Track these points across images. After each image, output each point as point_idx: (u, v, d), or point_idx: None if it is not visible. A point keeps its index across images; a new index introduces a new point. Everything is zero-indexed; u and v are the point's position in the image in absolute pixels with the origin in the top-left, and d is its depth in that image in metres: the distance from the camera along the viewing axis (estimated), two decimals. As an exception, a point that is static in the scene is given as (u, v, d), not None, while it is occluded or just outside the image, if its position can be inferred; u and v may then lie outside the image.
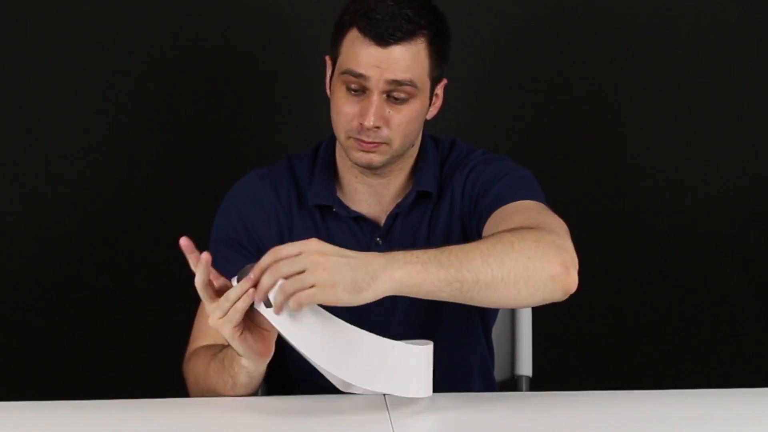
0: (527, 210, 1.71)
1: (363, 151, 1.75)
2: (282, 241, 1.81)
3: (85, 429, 1.56)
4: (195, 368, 1.72)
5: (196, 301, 1.61)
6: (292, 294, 1.43)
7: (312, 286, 1.43)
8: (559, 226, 1.64)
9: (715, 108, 2.66)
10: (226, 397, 1.64)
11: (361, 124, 1.72)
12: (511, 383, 2.11)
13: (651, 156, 2.68)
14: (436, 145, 1.89)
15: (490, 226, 1.73)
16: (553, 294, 1.55)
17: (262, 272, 1.46)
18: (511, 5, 2.62)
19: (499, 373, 2.09)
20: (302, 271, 1.43)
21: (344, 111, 1.74)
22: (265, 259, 1.46)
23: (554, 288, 1.55)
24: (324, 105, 1.81)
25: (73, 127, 2.59)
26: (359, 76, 1.70)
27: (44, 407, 1.63)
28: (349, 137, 1.75)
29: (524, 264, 1.51)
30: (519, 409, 1.62)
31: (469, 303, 1.52)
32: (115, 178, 2.62)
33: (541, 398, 1.69)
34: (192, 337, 1.80)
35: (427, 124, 1.90)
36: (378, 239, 1.83)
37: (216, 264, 1.80)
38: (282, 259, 1.45)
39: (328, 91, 1.80)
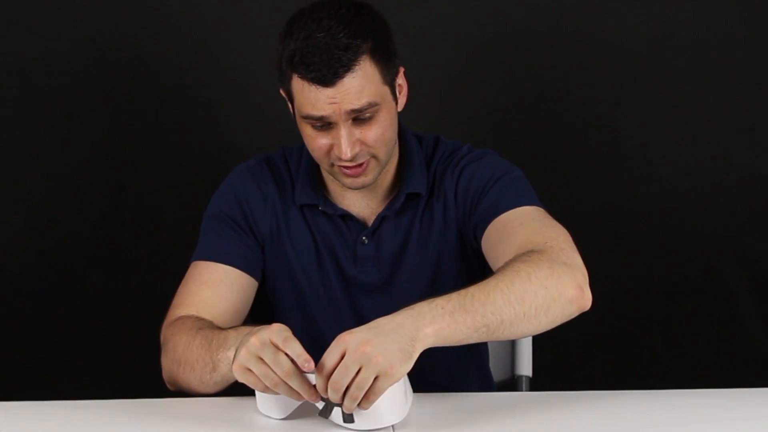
0: (531, 221, 1.71)
1: (352, 177, 1.74)
2: (277, 229, 1.85)
3: (85, 429, 1.56)
4: (178, 336, 1.67)
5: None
6: (361, 395, 1.42)
7: (375, 378, 1.41)
8: (564, 240, 1.65)
9: (715, 109, 2.66)
10: (227, 398, 1.64)
11: (338, 156, 1.71)
12: (511, 383, 2.11)
13: (650, 156, 2.68)
14: (420, 143, 1.88)
15: (494, 238, 1.74)
16: (570, 315, 1.58)
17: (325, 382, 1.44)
18: (511, 2, 2.62)
19: (499, 373, 2.09)
20: (359, 370, 1.41)
21: (318, 146, 1.73)
22: (319, 382, 1.44)
23: (571, 310, 1.58)
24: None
25: (69, 129, 2.60)
26: (320, 118, 1.69)
27: (44, 407, 1.63)
28: (333, 164, 1.74)
29: (543, 295, 1.54)
30: (519, 409, 1.62)
31: (494, 340, 1.54)
32: (113, 179, 2.62)
33: (541, 398, 1.69)
34: (176, 302, 1.77)
35: (416, 124, 1.90)
36: (364, 238, 1.83)
37: (206, 237, 1.81)
38: (332, 370, 1.42)
39: (296, 121, 1.78)
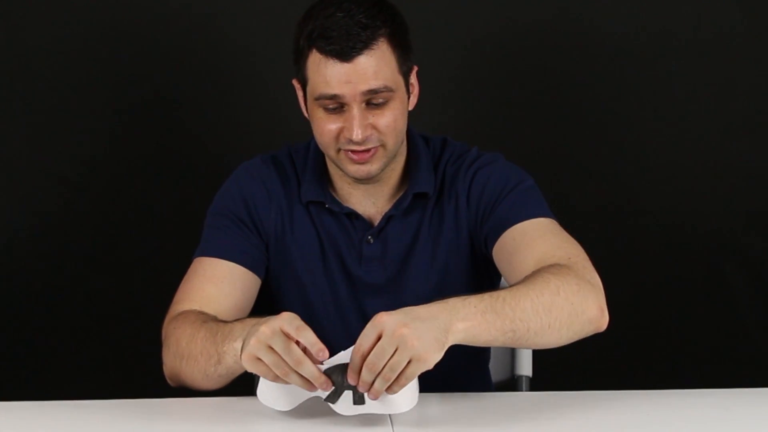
0: (549, 234, 1.73)
1: (358, 163, 1.74)
2: (282, 227, 1.84)
3: (85, 429, 1.56)
4: (181, 330, 1.67)
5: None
6: (394, 377, 1.42)
7: (408, 362, 1.42)
8: (584, 257, 1.68)
9: (715, 108, 2.66)
10: (228, 398, 1.64)
11: (348, 138, 1.71)
12: (511, 383, 2.11)
13: (651, 156, 2.68)
14: (427, 143, 1.88)
15: (510, 248, 1.74)
16: (587, 333, 1.61)
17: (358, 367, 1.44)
18: (513, 2, 2.62)
19: (499, 373, 2.09)
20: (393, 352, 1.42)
21: (327, 129, 1.73)
22: (355, 363, 1.44)
23: (589, 329, 1.61)
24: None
25: (71, 129, 2.60)
26: (333, 96, 1.69)
27: (44, 407, 1.63)
28: (339, 150, 1.74)
29: (568, 311, 1.56)
30: (519, 409, 1.62)
31: (515, 347, 1.56)
32: (113, 179, 2.62)
33: (541, 398, 1.70)
34: (178, 298, 1.77)
35: (422, 124, 1.89)
36: (369, 237, 1.83)
37: (210, 233, 1.81)
38: (369, 351, 1.43)
39: (305, 114, 1.79)
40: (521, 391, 2.09)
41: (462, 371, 1.91)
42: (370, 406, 1.47)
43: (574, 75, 2.65)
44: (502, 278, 1.86)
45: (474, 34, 2.62)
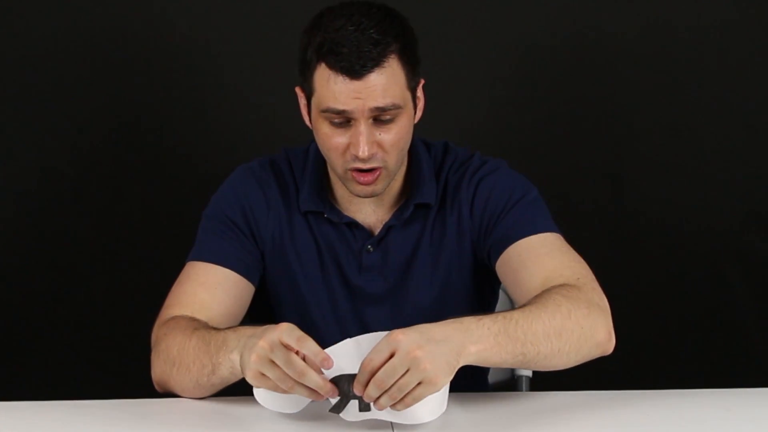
0: (557, 252, 1.71)
1: (363, 184, 1.71)
2: (280, 235, 1.81)
3: (85, 429, 1.56)
4: (171, 336, 1.64)
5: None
6: (400, 397, 1.41)
7: (418, 383, 1.41)
8: (592, 277, 1.67)
9: (715, 108, 2.66)
10: (227, 399, 1.63)
11: (354, 155, 1.68)
12: (511, 383, 2.11)
13: (651, 156, 2.68)
14: (428, 149, 1.85)
15: (515, 263, 1.72)
16: (592, 357, 1.61)
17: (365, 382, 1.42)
18: (513, 7, 2.62)
19: (499, 373, 2.09)
20: (405, 371, 1.41)
21: (334, 145, 1.69)
22: (363, 376, 1.42)
23: (596, 353, 1.61)
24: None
25: (69, 129, 2.60)
26: (341, 112, 1.66)
27: (44, 407, 1.63)
28: (347, 170, 1.71)
29: (578, 335, 1.56)
30: (519, 409, 1.62)
31: (523, 369, 1.57)
32: (112, 179, 2.62)
33: (541, 398, 1.69)
34: (170, 302, 1.74)
35: (425, 129, 1.89)
36: (369, 246, 1.81)
37: (205, 237, 1.79)
38: (379, 367, 1.41)
39: (308, 123, 1.75)
40: (521, 391, 2.09)
41: (462, 376, 1.91)
42: (379, 413, 1.45)
43: (573, 76, 2.65)
44: (501, 284, 1.85)
45: (474, 35, 2.62)
